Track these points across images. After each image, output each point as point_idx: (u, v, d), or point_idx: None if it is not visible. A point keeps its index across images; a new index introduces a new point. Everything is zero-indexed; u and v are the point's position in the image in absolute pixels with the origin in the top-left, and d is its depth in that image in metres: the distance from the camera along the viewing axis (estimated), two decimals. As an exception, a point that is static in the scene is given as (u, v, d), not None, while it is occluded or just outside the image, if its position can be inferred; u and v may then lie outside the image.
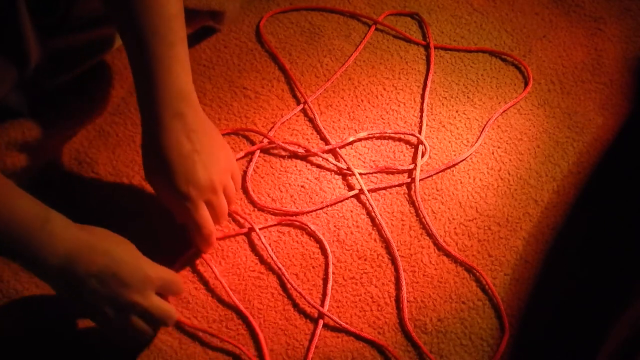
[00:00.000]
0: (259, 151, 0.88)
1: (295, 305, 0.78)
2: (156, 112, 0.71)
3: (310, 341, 0.76)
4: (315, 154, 0.88)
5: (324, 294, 0.78)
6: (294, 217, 0.83)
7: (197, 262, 0.79)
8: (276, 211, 0.84)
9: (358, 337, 0.77)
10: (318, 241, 0.82)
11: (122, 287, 0.65)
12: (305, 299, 0.77)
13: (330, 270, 0.80)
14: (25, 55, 0.72)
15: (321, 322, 0.77)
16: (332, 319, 0.77)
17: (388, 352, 0.76)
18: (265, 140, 0.88)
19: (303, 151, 0.88)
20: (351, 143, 0.90)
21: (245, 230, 0.82)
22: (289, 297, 0.78)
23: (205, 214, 0.73)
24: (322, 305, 0.78)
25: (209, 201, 0.73)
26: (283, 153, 0.88)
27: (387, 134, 0.91)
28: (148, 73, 0.70)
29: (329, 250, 0.81)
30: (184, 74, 0.72)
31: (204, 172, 0.72)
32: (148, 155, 0.74)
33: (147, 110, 0.72)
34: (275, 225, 0.83)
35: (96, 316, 0.67)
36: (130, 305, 0.66)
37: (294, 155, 0.88)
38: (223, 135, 0.88)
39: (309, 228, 0.82)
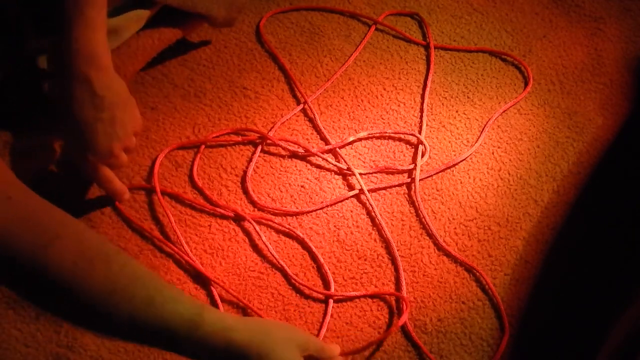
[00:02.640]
0: (259, 151, 0.88)
1: (296, 305, 0.78)
2: (63, 77, 0.71)
3: (323, 320, 0.76)
4: (314, 154, 0.88)
5: (323, 276, 0.79)
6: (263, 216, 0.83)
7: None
8: (276, 211, 0.84)
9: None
10: (300, 241, 0.82)
11: None
12: (310, 288, 0.78)
13: (320, 257, 0.80)
14: (19, 40, 0.72)
15: (331, 301, 0.78)
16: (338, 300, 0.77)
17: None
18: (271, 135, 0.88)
19: (303, 151, 0.88)
20: (351, 143, 0.90)
21: (231, 214, 0.82)
22: (289, 297, 0.78)
23: (104, 175, 0.76)
24: (328, 286, 0.79)
25: (107, 163, 0.76)
26: (283, 153, 0.88)
27: (387, 134, 0.91)
28: (58, 36, 0.70)
29: (313, 249, 0.82)
30: (95, 37, 0.71)
31: (105, 141, 0.73)
32: (55, 117, 0.74)
33: (58, 70, 0.72)
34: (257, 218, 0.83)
35: None
36: None
37: (294, 155, 0.88)
38: (223, 135, 0.88)
39: (281, 225, 0.83)
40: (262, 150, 0.88)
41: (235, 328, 0.60)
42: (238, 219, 0.83)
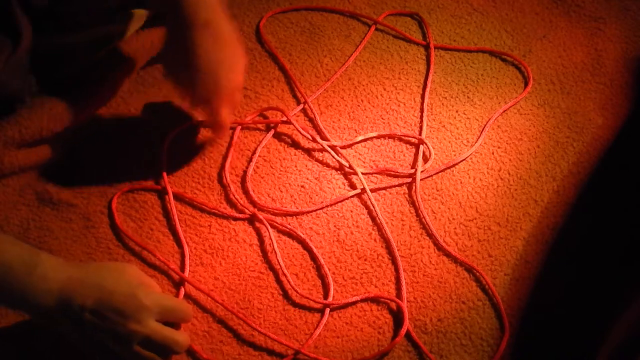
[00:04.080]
0: (270, 135, 0.87)
1: (295, 305, 0.78)
2: (185, 22, 0.74)
3: (318, 323, 0.77)
4: (325, 149, 0.87)
5: (326, 288, 0.79)
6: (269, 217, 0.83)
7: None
8: (276, 211, 0.84)
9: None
10: (301, 241, 0.82)
11: (119, 317, 0.64)
12: (308, 298, 0.78)
13: (322, 261, 0.80)
14: (17, 30, 0.73)
15: (327, 310, 0.78)
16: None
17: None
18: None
19: (310, 138, 0.88)
20: (354, 144, 0.90)
21: (247, 216, 0.83)
22: (289, 296, 0.78)
23: (225, 116, 0.80)
24: (328, 288, 0.79)
25: (228, 102, 0.80)
26: (287, 141, 0.88)
27: (396, 136, 0.91)
28: None
29: (314, 250, 0.82)
30: None
31: (228, 82, 0.77)
32: (175, 61, 0.78)
33: (175, 20, 0.75)
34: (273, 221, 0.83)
35: (101, 351, 0.66)
36: (130, 334, 0.64)
37: (297, 145, 0.88)
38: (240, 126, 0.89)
39: (282, 226, 0.82)
40: (274, 135, 0.89)
41: (72, 265, 0.66)
42: (251, 220, 0.83)
